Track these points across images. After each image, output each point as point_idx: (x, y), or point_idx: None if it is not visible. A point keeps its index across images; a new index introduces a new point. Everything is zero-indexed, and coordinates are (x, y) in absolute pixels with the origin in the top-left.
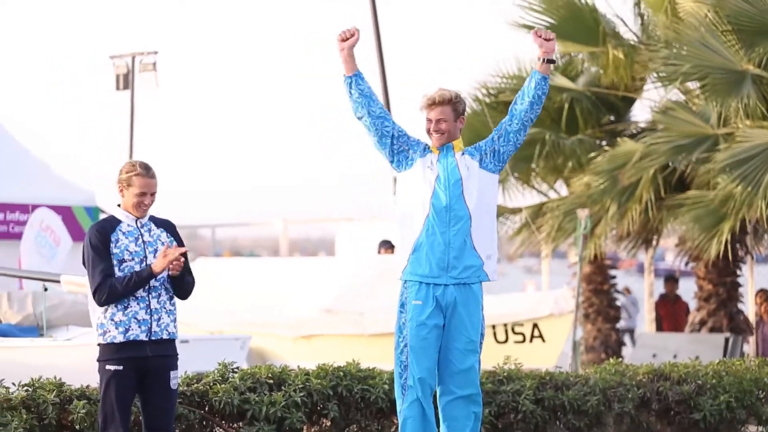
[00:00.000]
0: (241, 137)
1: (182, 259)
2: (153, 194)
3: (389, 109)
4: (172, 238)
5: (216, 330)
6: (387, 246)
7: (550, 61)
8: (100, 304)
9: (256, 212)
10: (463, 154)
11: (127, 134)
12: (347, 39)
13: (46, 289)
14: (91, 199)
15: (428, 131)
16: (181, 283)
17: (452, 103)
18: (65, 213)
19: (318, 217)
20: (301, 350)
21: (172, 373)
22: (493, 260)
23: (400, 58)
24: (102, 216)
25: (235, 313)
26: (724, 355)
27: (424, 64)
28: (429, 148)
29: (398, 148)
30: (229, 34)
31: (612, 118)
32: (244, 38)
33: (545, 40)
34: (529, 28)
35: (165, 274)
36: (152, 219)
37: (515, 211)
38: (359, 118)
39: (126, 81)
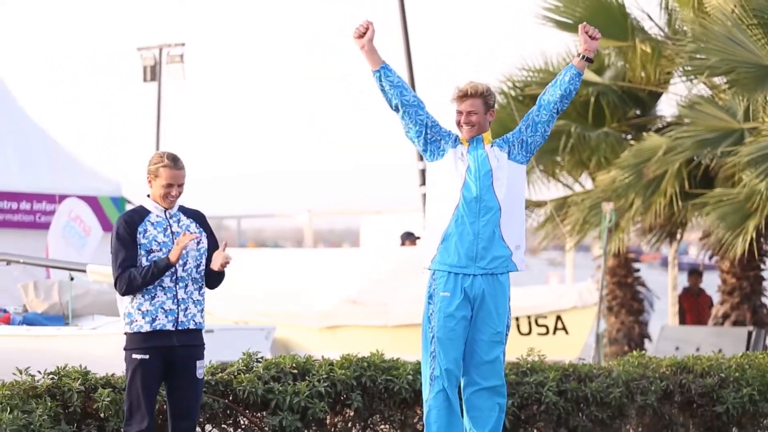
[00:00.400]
0: (267, 129)
1: (229, 258)
2: (180, 185)
3: None
4: (201, 229)
5: (240, 320)
6: (410, 238)
7: (589, 60)
8: (122, 294)
9: (282, 203)
10: (492, 146)
11: (154, 125)
12: (363, 35)
13: (72, 279)
14: (117, 189)
15: (458, 123)
16: (217, 275)
17: (483, 96)
18: (92, 203)
19: (343, 209)
20: (325, 341)
21: (198, 363)
22: (521, 251)
23: (427, 52)
24: (128, 206)
25: (260, 303)
26: (747, 349)
27: (451, 58)
28: (459, 139)
29: (431, 137)
30: (255, 24)
31: (638, 112)
32: (269, 29)
33: (591, 38)
34: (556, 22)
35: (193, 264)
36: (182, 209)
37: (540, 204)
38: (395, 110)
39: (153, 73)
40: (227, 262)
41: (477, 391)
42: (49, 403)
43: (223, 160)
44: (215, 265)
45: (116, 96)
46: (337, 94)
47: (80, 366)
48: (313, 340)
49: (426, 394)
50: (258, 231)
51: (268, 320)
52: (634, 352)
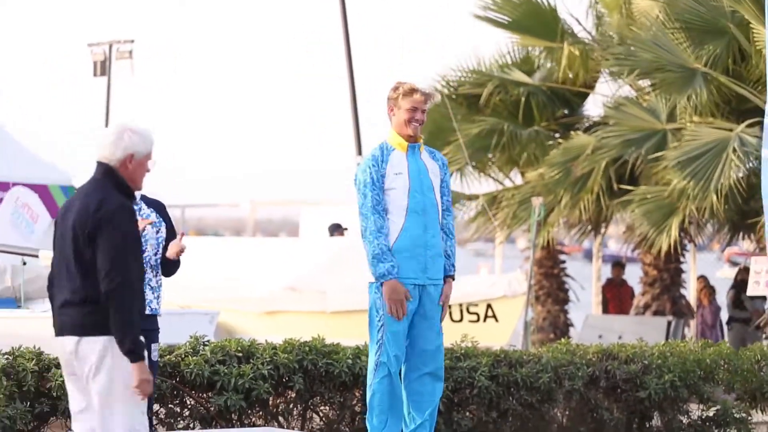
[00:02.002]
0: (213, 124)
1: (184, 247)
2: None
3: (355, 102)
4: (162, 218)
5: (185, 305)
6: (338, 229)
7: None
8: None
9: (226, 195)
10: (430, 155)
11: (103, 119)
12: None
13: (24, 263)
14: (67, 178)
15: (407, 121)
16: (173, 263)
17: (430, 97)
18: (42, 191)
19: (283, 200)
20: (265, 326)
21: (153, 346)
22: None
23: (366, 52)
24: None
25: (204, 289)
26: (667, 337)
27: (387, 58)
28: (390, 148)
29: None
30: (202, 22)
31: (566, 111)
32: (216, 27)
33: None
34: (490, 20)
35: (151, 251)
36: (143, 199)
37: (472, 197)
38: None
39: (103, 68)
40: (182, 251)
41: (420, 376)
42: (5, 382)
43: (170, 152)
44: (171, 254)
45: (67, 90)
46: (293, 90)
47: (34, 347)
48: (253, 325)
49: (370, 378)
50: (198, 220)
51: (211, 305)
52: (563, 340)
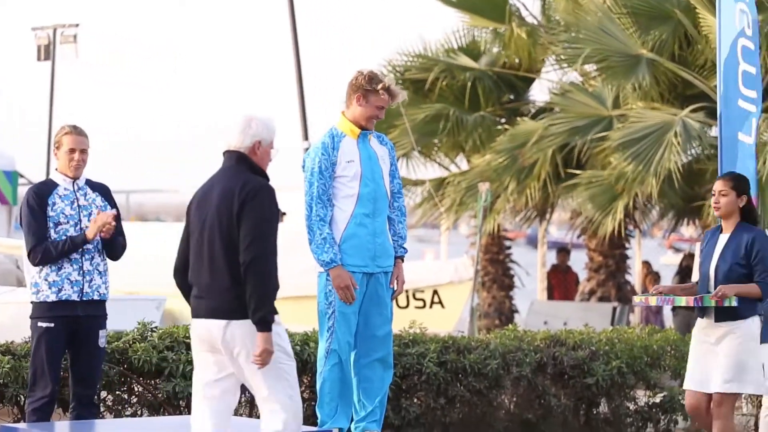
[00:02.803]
0: (157, 109)
1: (113, 223)
2: (84, 152)
3: (301, 86)
4: (107, 203)
5: (132, 291)
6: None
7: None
8: (34, 264)
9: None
10: (379, 141)
11: (47, 103)
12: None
13: None
14: (10, 163)
15: (371, 117)
16: (113, 245)
17: (400, 98)
18: None
19: None
20: None
21: (101, 332)
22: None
23: (313, 38)
24: (21, 180)
25: (149, 275)
26: (612, 323)
27: (336, 45)
28: (340, 134)
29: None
30: (148, 5)
31: (512, 97)
32: (163, 10)
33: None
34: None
35: (99, 236)
36: (88, 183)
37: (418, 183)
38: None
39: (47, 52)
40: (108, 226)
41: (370, 363)
42: None
43: (114, 137)
44: (91, 229)
45: (10, 74)
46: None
47: None
48: None
49: (321, 366)
50: (140, 205)
51: (157, 291)
52: (510, 326)
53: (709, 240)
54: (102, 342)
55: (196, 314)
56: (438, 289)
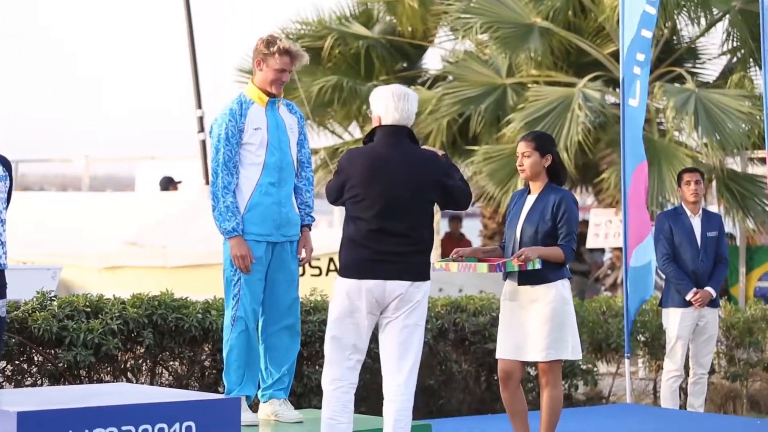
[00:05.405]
0: (46, 77)
1: None
2: None
3: (195, 56)
4: (7, 174)
5: (26, 261)
6: (171, 183)
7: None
8: None
9: (58, 150)
10: (288, 109)
11: None
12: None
13: None
14: None
15: (273, 81)
16: None
17: (302, 59)
18: None
19: (120, 156)
20: (106, 281)
21: (1, 302)
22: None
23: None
24: None
25: (43, 244)
26: None
27: (228, 12)
28: (248, 101)
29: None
30: None
31: (405, 65)
32: None
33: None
34: None
35: (2, 205)
36: None
37: (314, 151)
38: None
39: None
40: None
41: (278, 330)
42: None
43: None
44: None
45: None
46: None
47: None
48: (94, 280)
49: (227, 334)
50: (22, 176)
51: (51, 260)
52: None
53: (517, 201)
54: (2, 312)
55: (378, 276)
56: (333, 256)
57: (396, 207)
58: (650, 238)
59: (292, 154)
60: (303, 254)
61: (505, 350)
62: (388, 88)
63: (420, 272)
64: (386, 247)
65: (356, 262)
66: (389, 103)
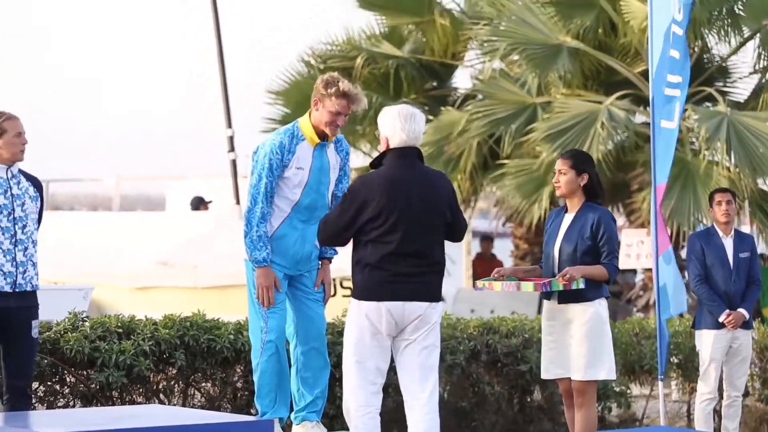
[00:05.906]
0: (77, 97)
1: None
2: (24, 134)
3: (224, 76)
4: (38, 194)
5: (57, 281)
6: (202, 203)
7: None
8: None
9: (89, 170)
10: (336, 147)
11: None
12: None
13: None
14: None
15: (328, 123)
16: None
17: (359, 103)
18: None
19: (150, 175)
20: (136, 301)
21: (34, 323)
22: None
23: (237, 24)
24: None
25: (74, 264)
26: (539, 311)
27: (258, 34)
28: (300, 137)
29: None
30: None
31: (435, 84)
32: None
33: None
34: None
35: (33, 226)
36: (21, 172)
37: None
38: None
39: None
40: None
41: (307, 351)
42: None
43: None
44: None
45: None
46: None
47: None
48: (124, 300)
49: (257, 357)
50: (52, 195)
51: (81, 280)
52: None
53: (554, 220)
54: (35, 333)
55: (399, 297)
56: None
57: (414, 229)
58: (667, 254)
59: (329, 195)
60: (320, 288)
61: (551, 372)
62: (395, 108)
63: (436, 293)
64: (404, 269)
65: (375, 284)
66: (396, 124)
